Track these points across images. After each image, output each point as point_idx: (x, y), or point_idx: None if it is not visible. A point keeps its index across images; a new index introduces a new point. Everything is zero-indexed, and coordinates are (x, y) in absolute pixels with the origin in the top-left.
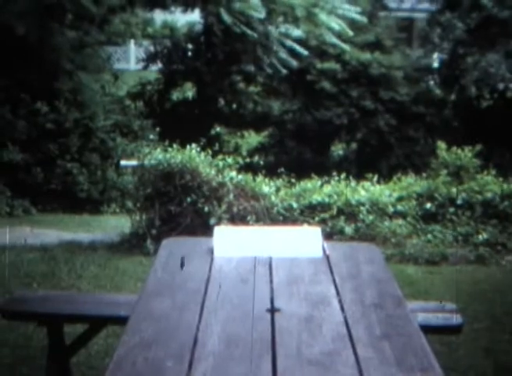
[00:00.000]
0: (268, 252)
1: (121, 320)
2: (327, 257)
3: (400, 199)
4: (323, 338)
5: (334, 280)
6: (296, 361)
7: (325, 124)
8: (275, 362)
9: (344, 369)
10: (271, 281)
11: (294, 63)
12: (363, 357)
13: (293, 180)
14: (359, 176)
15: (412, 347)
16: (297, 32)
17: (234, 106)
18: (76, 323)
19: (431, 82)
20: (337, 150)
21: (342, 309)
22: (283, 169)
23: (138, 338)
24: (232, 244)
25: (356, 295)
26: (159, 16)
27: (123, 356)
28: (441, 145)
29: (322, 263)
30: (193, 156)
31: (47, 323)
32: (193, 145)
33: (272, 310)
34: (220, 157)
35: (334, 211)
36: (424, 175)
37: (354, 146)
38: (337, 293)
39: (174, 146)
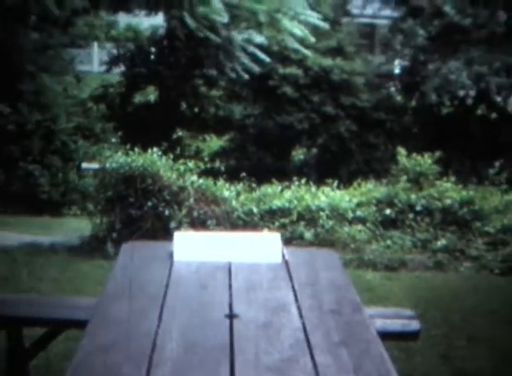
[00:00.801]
0: (227, 257)
1: (81, 324)
2: (286, 263)
3: (360, 205)
4: (281, 345)
5: (293, 286)
6: (254, 368)
7: (286, 129)
8: (233, 368)
9: None
10: (230, 287)
11: (256, 68)
12: (321, 364)
13: (253, 185)
14: (320, 181)
15: (370, 354)
16: (259, 38)
17: (196, 110)
18: (35, 327)
19: (392, 89)
20: (298, 155)
21: (300, 315)
22: (244, 174)
23: (97, 342)
24: (192, 248)
25: (314, 301)
26: (123, 19)
27: (81, 361)
28: (401, 151)
29: (281, 269)
30: (155, 160)
31: (6, 326)
32: (155, 149)
33: (231, 316)
34: (181, 161)
35: (294, 217)
36: (384, 181)
37: (314, 151)
38: (296, 299)
39: (136, 149)
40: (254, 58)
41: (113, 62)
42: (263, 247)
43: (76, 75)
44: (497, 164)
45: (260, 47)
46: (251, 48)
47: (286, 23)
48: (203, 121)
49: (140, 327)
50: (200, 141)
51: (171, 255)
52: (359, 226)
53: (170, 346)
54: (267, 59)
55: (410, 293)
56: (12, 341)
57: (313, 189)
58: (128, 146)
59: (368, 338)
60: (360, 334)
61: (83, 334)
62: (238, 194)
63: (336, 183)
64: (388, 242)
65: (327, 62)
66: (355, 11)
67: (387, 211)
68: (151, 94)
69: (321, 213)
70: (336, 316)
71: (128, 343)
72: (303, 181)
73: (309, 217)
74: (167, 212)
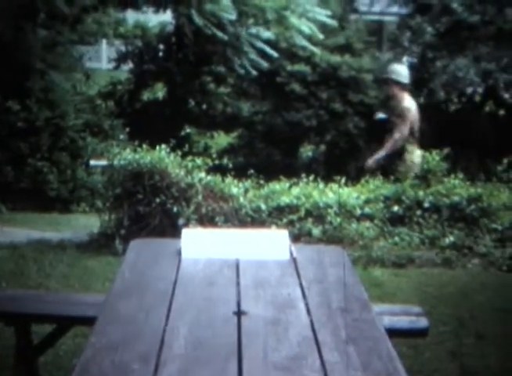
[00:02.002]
0: (235, 254)
1: (89, 321)
2: (294, 260)
3: (367, 201)
4: (289, 342)
5: (301, 283)
6: (262, 365)
7: (294, 126)
8: (241, 365)
9: (310, 373)
10: (238, 284)
11: (265, 64)
12: (329, 361)
13: (261, 182)
14: (328, 178)
15: (378, 351)
16: (267, 34)
17: (204, 106)
18: (44, 323)
19: None
20: (306, 151)
21: (308, 312)
22: (252, 170)
23: (105, 340)
24: (200, 245)
25: (322, 299)
26: (131, 16)
27: (89, 359)
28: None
29: (289, 266)
30: (163, 156)
31: (14, 322)
32: (163, 145)
33: (239, 313)
34: (189, 158)
35: (302, 213)
36: (392, 177)
37: (323, 148)
38: (304, 296)
39: (144, 146)
40: (262, 53)
41: (121, 59)
42: (271, 244)
43: (85, 72)
44: (505, 160)
45: (268, 43)
46: (259, 44)
47: (294, 20)
48: (211, 118)
49: (148, 324)
50: (208, 138)
51: (178, 252)
52: (367, 223)
53: (178, 343)
54: (275, 54)
55: (418, 289)
56: (21, 338)
57: (321, 185)
58: (136, 143)
59: (376, 335)
60: (368, 331)
61: (91, 331)
62: (246, 191)
63: (344, 180)
64: (396, 239)
65: (335, 59)
66: (363, 8)
67: (395, 208)
68: (159, 91)
69: (329, 210)
70: (344, 314)
71: (136, 341)
72: (311, 178)
73: (317, 214)
74: (175, 209)
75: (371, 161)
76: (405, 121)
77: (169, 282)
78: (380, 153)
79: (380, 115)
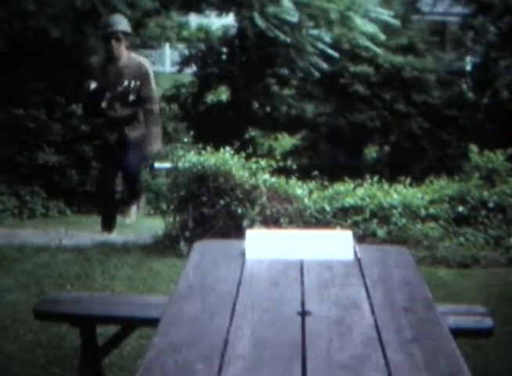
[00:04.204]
0: (299, 255)
1: (153, 322)
2: (358, 260)
3: (432, 202)
4: (353, 342)
5: (365, 283)
6: (326, 365)
7: (358, 127)
8: (305, 365)
9: (374, 373)
10: (302, 284)
11: (325, 66)
12: (393, 361)
13: (326, 183)
14: (392, 179)
15: (442, 351)
16: (328, 36)
17: (268, 109)
18: (108, 325)
19: (464, 86)
20: (370, 152)
21: (372, 312)
22: (316, 172)
23: (169, 340)
24: (264, 246)
25: (387, 299)
26: (194, 20)
27: (153, 359)
28: (473, 148)
29: (353, 266)
30: (227, 159)
31: (80, 324)
32: (227, 148)
33: (303, 313)
34: (253, 160)
35: (367, 214)
36: (456, 178)
37: (387, 149)
38: (368, 296)
39: (208, 148)
40: (324, 55)
41: (184, 62)
42: (335, 245)
43: None
44: None
45: (330, 45)
46: (321, 46)
47: (357, 20)
48: (275, 120)
49: (212, 325)
50: (272, 140)
51: (242, 253)
52: (432, 223)
53: (242, 344)
54: (336, 56)
55: (483, 290)
56: (86, 339)
57: (386, 186)
58: (201, 146)
59: (440, 335)
60: (432, 331)
61: (155, 332)
62: (310, 192)
63: (408, 181)
64: (461, 239)
65: (398, 59)
66: (426, 8)
67: (460, 209)
68: (223, 94)
69: (393, 211)
70: (408, 314)
71: (200, 341)
72: (375, 179)
73: (382, 214)
74: (239, 211)
75: None
76: None
77: (233, 283)
78: None
79: None
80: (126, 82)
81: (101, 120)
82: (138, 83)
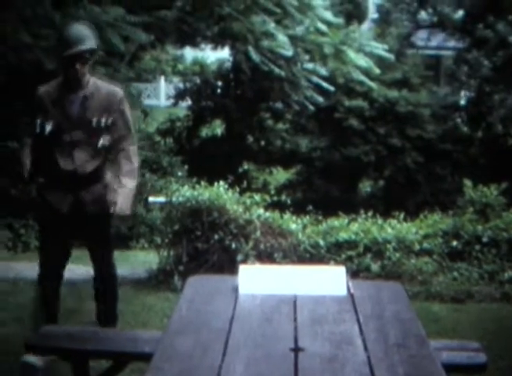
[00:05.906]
0: (292, 290)
1: (146, 357)
2: (352, 296)
3: (426, 237)
4: None
5: (358, 320)
6: None
7: (352, 162)
8: None
9: None
10: (295, 320)
11: (320, 99)
12: None
13: (320, 218)
14: (386, 214)
15: None
16: (323, 69)
17: (262, 143)
18: (101, 359)
19: (458, 120)
20: (365, 187)
21: (365, 348)
22: (310, 206)
23: None
24: (257, 282)
25: (380, 335)
26: (189, 53)
27: None
28: (468, 183)
29: (346, 302)
30: (221, 193)
31: (72, 358)
32: (221, 182)
33: (296, 349)
34: (247, 194)
35: (361, 249)
36: (450, 212)
37: (381, 183)
38: (361, 332)
39: (202, 183)
40: (319, 89)
41: (179, 96)
42: (328, 280)
43: (143, 109)
44: None
45: (324, 79)
46: (315, 79)
47: (351, 54)
48: (269, 154)
49: (204, 361)
50: (267, 174)
51: (236, 289)
52: (426, 258)
53: None
54: (331, 89)
55: (477, 324)
56: (78, 374)
57: (380, 221)
58: (195, 180)
59: (433, 372)
60: (425, 367)
61: (148, 368)
62: (304, 227)
63: (402, 215)
64: (455, 274)
65: (393, 94)
66: (420, 43)
67: (454, 243)
68: (217, 127)
69: (388, 245)
70: (401, 350)
71: None
72: (370, 213)
73: (376, 249)
74: (233, 245)
75: None
76: None
77: (226, 318)
78: None
79: None
80: (94, 120)
81: (48, 177)
82: (109, 120)
